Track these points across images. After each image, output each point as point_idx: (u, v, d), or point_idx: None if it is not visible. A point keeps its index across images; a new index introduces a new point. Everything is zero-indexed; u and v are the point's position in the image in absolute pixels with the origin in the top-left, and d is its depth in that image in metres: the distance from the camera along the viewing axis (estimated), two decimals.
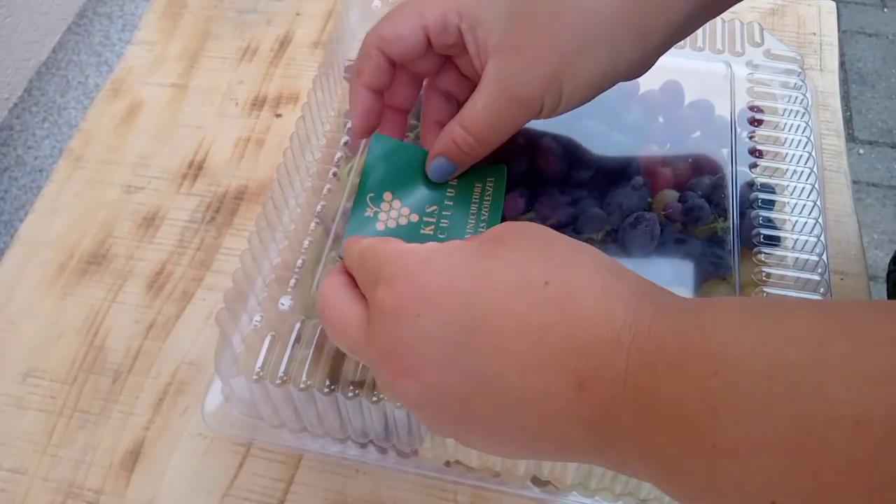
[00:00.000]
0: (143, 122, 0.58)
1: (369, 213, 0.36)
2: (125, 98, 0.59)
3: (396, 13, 0.35)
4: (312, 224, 0.39)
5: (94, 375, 0.46)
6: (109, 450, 0.43)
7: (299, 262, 0.37)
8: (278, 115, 0.57)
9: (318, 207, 0.40)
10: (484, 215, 0.36)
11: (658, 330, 0.24)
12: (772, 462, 0.21)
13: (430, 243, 0.28)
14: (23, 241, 0.52)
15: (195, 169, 0.55)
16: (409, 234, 0.35)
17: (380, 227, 0.36)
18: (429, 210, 0.36)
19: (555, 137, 0.41)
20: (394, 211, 0.36)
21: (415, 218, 0.36)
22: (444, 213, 0.36)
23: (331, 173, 0.41)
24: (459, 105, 0.36)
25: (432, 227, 0.36)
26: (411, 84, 0.38)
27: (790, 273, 0.37)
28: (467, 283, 0.26)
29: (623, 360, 0.24)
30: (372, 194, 0.36)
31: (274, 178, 0.40)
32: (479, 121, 0.34)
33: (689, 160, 0.42)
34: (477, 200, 0.37)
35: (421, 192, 0.37)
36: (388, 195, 0.36)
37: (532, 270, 0.26)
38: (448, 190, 0.37)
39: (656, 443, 0.23)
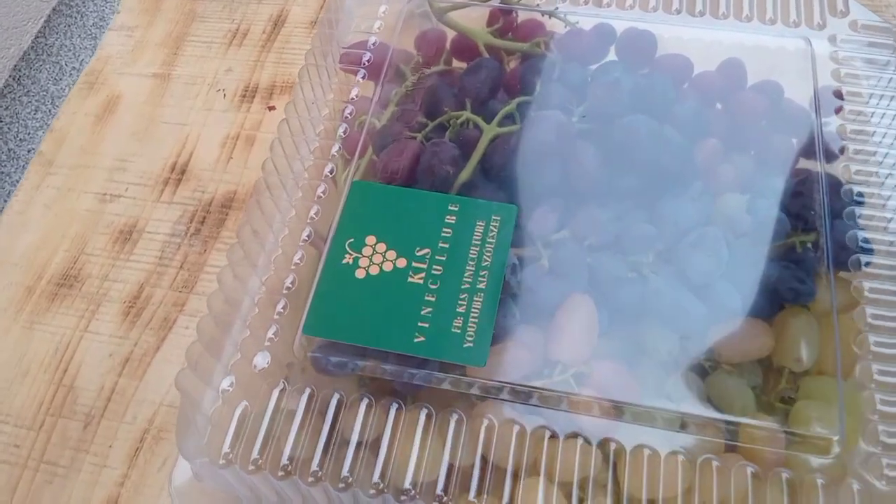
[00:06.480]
0: (121, 119, 0.51)
1: (348, 259, 0.30)
2: (101, 92, 0.53)
3: None
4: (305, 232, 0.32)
5: (63, 419, 0.40)
6: None
7: (281, 305, 0.31)
8: (271, 108, 0.50)
9: (313, 211, 0.33)
10: (486, 260, 0.30)
11: None
12: None
13: None
14: None
15: (178, 173, 0.48)
16: (395, 282, 0.30)
17: (360, 274, 0.30)
18: (419, 254, 0.30)
19: (592, 138, 0.33)
20: (377, 255, 0.30)
21: (402, 263, 0.30)
22: (437, 256, 0.30)
23: (327, 170, 0.35)
24: None
25: (423, 274, 0.30)
26: None
27: (885, 298, 0.30)
28: None
29: None
30: (351, 240, 0.31)
31: (260, 177, 0.33)
32: None
33: (758, 158, 0.35)
34: (478, 242, 0.30)
35: (410, 233, 0.31)
36: (370, 239, 0.31)
37: None
38: (444, 229, 0.31)
39: None
